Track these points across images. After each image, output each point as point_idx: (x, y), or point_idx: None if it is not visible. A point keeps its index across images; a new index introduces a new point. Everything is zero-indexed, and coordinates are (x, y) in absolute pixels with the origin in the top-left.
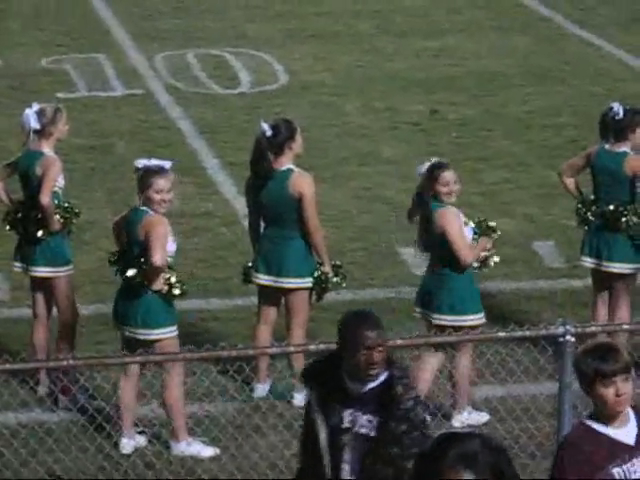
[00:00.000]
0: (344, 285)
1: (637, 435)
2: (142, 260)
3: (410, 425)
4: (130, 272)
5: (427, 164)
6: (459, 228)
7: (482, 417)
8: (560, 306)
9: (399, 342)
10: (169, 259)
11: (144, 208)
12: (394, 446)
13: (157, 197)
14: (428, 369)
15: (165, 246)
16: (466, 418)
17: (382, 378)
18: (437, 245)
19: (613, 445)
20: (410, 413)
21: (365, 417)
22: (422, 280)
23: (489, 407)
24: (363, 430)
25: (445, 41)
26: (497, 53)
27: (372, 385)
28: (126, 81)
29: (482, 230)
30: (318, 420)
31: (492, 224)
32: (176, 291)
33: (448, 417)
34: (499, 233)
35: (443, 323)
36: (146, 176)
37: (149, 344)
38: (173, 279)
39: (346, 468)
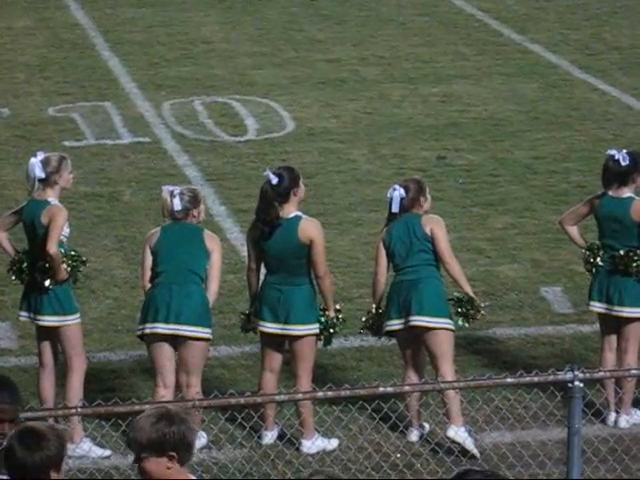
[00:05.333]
0: (342, 329)
1: None
2: None
3: None
4: None
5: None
6: None
7: None
8: (568, 352)
9: (406, 388)
10: None
11: None
12: None
13: None
14: None
15: None
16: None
17: None
18: None
19: None
20: None
21: None
22: None
23: (497, 453)
24: None
25: (452, 87)
26: (504, 99)
27: None
28: (133, 129)
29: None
30: None
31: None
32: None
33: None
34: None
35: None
36: None
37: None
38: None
39: None
